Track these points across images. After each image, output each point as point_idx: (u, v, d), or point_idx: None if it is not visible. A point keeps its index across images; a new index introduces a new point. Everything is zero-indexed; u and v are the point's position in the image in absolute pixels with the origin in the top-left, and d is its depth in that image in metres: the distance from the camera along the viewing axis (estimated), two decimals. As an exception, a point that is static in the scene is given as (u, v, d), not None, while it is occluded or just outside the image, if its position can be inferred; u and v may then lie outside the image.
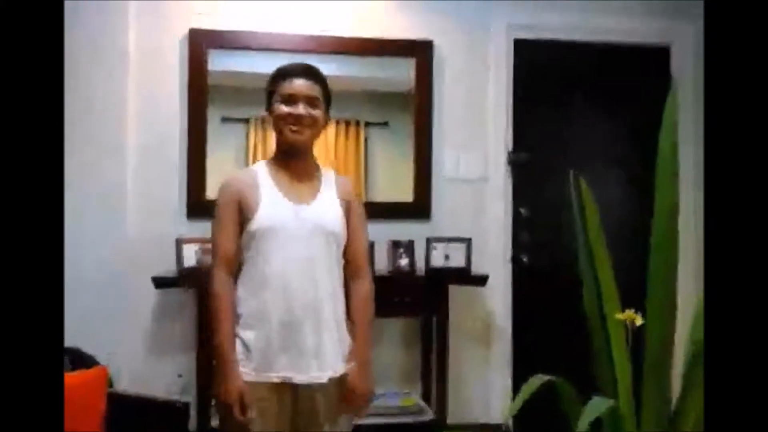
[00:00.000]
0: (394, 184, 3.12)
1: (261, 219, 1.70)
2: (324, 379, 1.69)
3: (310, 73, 1.77)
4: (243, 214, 1.72)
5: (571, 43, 3.18)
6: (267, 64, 2.95)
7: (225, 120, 2.98)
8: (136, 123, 2.86)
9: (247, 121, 3.01)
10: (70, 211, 2.65)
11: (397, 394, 2.87)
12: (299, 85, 1.74)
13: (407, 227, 2.98)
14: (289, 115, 1.73)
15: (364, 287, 1.80)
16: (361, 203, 1.87)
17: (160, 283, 2.66)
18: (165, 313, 2.85)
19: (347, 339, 1.77)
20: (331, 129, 3.10)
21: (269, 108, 1.78)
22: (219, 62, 2.93)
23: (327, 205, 1.76)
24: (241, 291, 1.72)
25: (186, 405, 2.16)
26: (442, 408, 2.77)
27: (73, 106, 2.74)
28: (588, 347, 1.85)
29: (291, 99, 1.73)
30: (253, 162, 3.00)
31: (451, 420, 2.79)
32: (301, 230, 1.70)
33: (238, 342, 1.70)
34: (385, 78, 3.14)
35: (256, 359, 1.68)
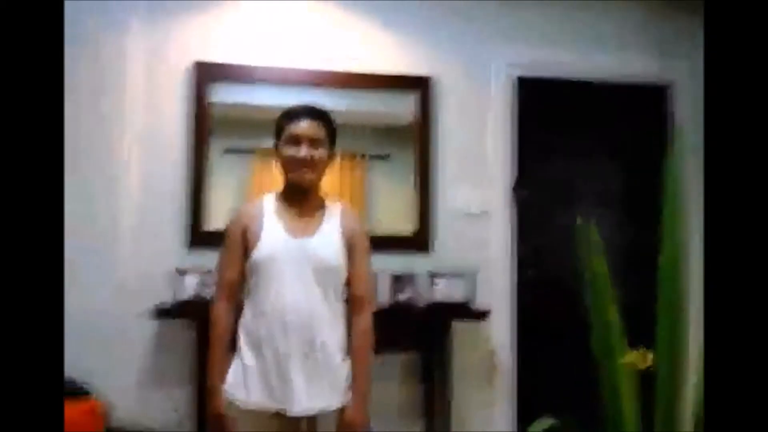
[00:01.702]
0: (396, 216, 3.11)
1: (261, 250, 1.76)
2: (313, 412, 1.72)
3: (314, 114, 1.84)
4: (247, 245, 1.78)
5: (571, 81, 3.21)
6: (270, 97, 3.03)
7: (228, 151, 2.98)
8: (138, 153, 2.87)
9: (250, 152, 3.01)
10: (70, 239, 2.65)
11: (399, 429, 2.81)
12: (303, 127, 1.81)
13: (408, 260, 2.96)
14: (293, 157, 1.80)
15: (364, 321, 1.82)
16: (367, 238, 1.90)
17: (158, 313, 2.63)
18: (163, 345, 2.81)
19: (344, 372, 1.79)
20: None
21: (276, 146, 1.85)
22: (223, 94, 2.94)
23: (327, 239, 1.80)
24: (244, 319, 1.78)
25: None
26: (443, 445, 2.72)
27: (74, 136, 2.76)
28: (591, 384, 1.82)
29: (295, 140, 1.80)
30: (256, 194, 3.02)
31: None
32: (298, 263, 1.75)
33: (237, 368, 1.75)
34: (388, 112, 3.16)
35: (250, 387, 1.73)
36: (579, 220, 1.74)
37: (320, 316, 1.74)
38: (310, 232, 1.79)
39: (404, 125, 3.11)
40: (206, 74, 2.91)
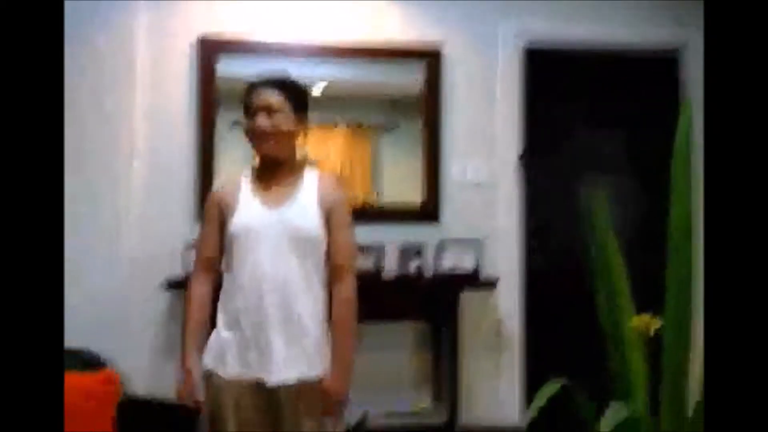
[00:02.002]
0: (404, 187, 3.12)
1: (236, 222, 1.76)
2: (290, 381, 1.72)
3: (272, 83, 1.81)
4: (225, 219, 1.79)
5: (580, 51, 3.17)
6: (277, 69, 3.02)
7: (235, 124, 2.97)
8: (145, 128, 2.87)
9: (256, 125, 3.00)
10: (82, 214, 2.69)
11: (408, 397, 2.86)
12: (258, 97, 1.79)
13: (416, 230, 2.98)
14: (253, 129, 1.79)
15: (344, 290, 1.79)
16: (347, 205, 1.86)
17: (169, 285, 2.67)
18: (174, 316, 2.85)
19: (324, 342, 1.77)
20: (340, 133, 3.10)
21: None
22: (229, 68, 2.93)
23: (303, 208, 1.78)
24: (223, 293, 1.79)
25: (198, 409, 2.16)
26: (453, 412, 2.76)
27: (82, 112, 2.77)
28: (599, 351, 1.85)
29: (253, 111, 1.79)
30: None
31: (462, 423, 2.78)
32: (274, 233, 1.74)
33: (215, 340, 1.77)
34: (395, 83, 3.15)
35: (228, 358, 1.74)
36: (587, 189, 1.75)
37: (297, 286, 1.73)
38: (285, 202, 1.78)
39: (412, 96, 3.09)
40: (211, 48, 2.89)
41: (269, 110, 1.77)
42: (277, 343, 1.71)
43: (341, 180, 2.95)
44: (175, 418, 2.11)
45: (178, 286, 2.69)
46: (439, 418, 2.77)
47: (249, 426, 1.73)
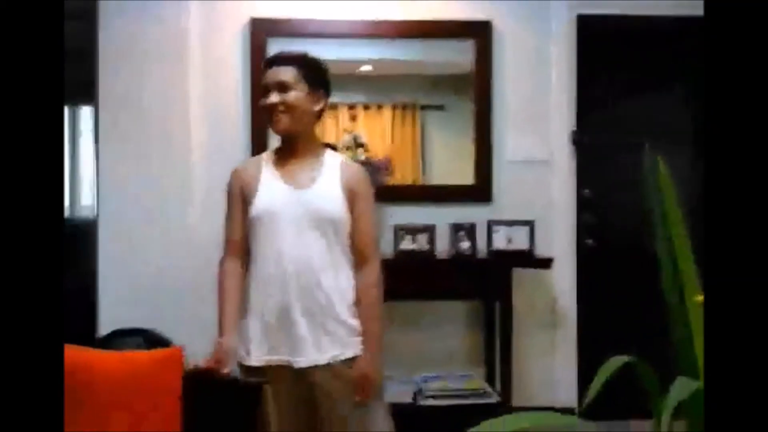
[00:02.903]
0: (453, 167, 3.10)
1: (258, 204, 1.76)
2: (320, 363, 1.72)
3: (282, 60, 1.81)
4: (246, 200, 1.79)
5: (636, 17, 3.06)
6: (327, 51, 3.00)
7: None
8: (199, 113, 2.93)
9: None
10: (144, 204, 2.79)
11: (461, 376, 2.87)
12: (269, 74, 1.79)
13: (469, 210, 2.96)
14: (265, 106, 1.79)
15: (369, 274, 1.79)
16: (370, 190, 1.85)
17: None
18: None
19: (352, 323, 1.76)
20: (387, 113, 3.10)
21: None
22: (280, 49, 2.95)
23: (324, 190, 1.77)
24: (248, 278, 1.79)
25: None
26: (506, 390, 2.76)
27: (135, 97, 2.86)
28: (655, 327, 1.80)
29: (266, 89, 1.79)
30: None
31: (515, 403, 2.77)
32: (296, 215, 1.74)
33: (243, 326, 1.77)
34: (443, 61, 3.12)
35: (257, 343, 1.75)
36: (647, 156, 1.69)
37: (321, 267, 1.73)
38: (306, 183, 1.77)
39: (461, 74, 3.06)
40: (262, 30, 2.93)
41: (283, 87, 1.76)
42: (303, 325, 1.72)
43: (389, 161, 2.98)
44: (240, 393, 2.18)
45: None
46: (493, 397, 2.77)
47: (286, 410, 1.75)
